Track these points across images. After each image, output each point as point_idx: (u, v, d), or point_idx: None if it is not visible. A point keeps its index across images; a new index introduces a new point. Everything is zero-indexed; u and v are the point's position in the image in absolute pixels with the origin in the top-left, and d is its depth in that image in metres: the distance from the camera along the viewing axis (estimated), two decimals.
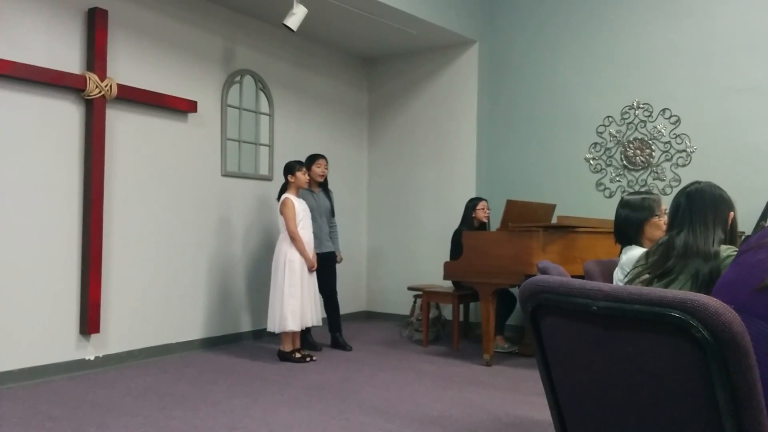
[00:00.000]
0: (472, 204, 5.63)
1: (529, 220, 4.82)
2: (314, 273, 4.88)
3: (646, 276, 2.07)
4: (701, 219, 2.04)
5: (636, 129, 5.62)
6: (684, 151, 5.39)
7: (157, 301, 4.86)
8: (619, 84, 5.69)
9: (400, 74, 6.84)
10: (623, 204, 2.82)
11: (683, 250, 2.00)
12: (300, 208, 4.79)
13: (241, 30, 5.59)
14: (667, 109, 5.46)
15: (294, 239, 4.70)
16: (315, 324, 4.86)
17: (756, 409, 1.13)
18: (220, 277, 5.37)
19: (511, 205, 4.90)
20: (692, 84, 5.34)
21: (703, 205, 2.07)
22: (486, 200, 5.70)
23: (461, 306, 5.83)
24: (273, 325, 4.70)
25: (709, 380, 1.14)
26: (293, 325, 4.64)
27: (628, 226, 2.78)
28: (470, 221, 5.58)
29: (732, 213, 2.09)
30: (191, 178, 5.13)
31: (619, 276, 2.71)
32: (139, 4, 4.77)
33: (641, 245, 2.73)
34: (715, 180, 2.23)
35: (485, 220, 5.65)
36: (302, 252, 4.72)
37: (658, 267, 2.05)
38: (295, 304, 4.66)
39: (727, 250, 1.97)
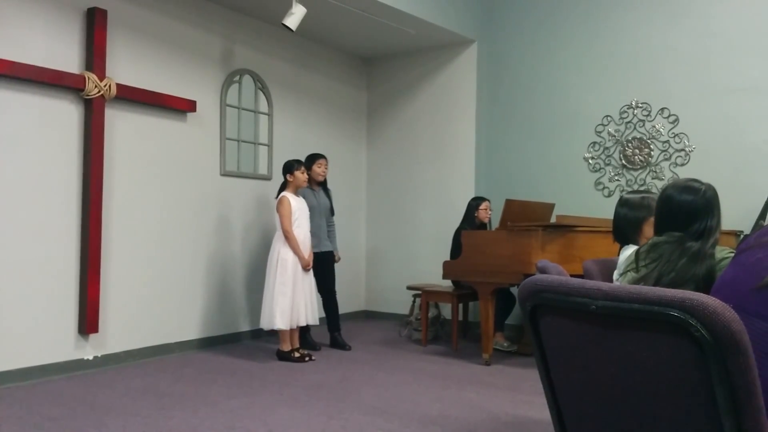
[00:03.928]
0: (475, 203, 5.61)
1: (528, 219, 4.82)
2: (310, 272, 4.86)
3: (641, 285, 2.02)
4: (689, 221, 1.99)
5: (635, 128, 5.62)
6: (682, 150, 5.38)
7: (156, 300, 4.86)
8: (617, 83, 5.69)
9: (399, 73, 6.83)
10: (622, 203, 2.80)
11: (677, 253, 1.95)
12: (297, 206, 4.78)
13: (240, 29, 5.58)
14: (666, 108, 5.46)
15: (288, 238, 4.69)
16: (311, 323, 4.86)
17: (755, 408, 1.13)
18: (219, 277, 5.37)
19: (510, 204, 4.90)
20: (691, 83, 5.34)
21: (687, 208, 2.00)
22: (488, 200, 5.69)
23: (460, 305, 5.83)
24: (263, 323, 4.73)
25: (708, 379, 1.14)
26: (281, 323, 4.63)
27: (626, 225, 2.75)
28: (472, 220, 5.56)
29: (719, 213, 2.04)
30: (190, 178, 5.13)
31: (617, 278, 2.70)
32: (138, 3, 4.77)
33: (638, 245, 2.72)
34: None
35: (486, 221, 5.64)
36: (296, 250, 4.71)
37: (650, 276, 1.99)
38: (285, 302, 4.64)
39: (722, 251, 1.94)
